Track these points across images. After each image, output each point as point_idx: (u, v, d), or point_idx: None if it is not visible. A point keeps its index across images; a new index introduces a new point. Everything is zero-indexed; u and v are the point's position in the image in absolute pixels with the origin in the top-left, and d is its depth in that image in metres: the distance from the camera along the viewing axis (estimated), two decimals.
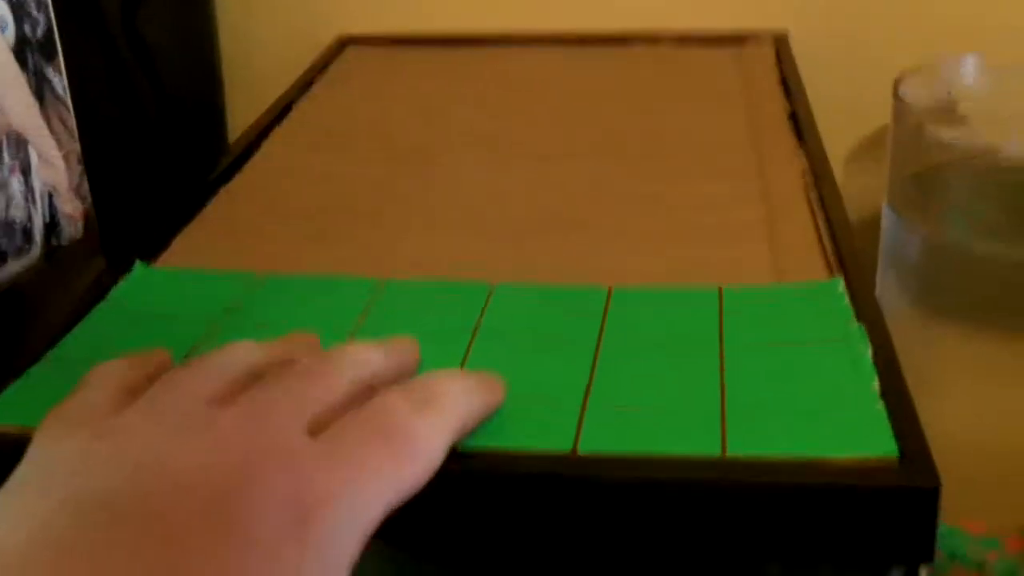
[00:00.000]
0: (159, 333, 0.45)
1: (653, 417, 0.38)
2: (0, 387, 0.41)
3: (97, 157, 0.60)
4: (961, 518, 0.75)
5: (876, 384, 0.39)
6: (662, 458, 0.36)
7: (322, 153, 0.64)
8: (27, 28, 0.53)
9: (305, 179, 0.61)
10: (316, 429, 0.32)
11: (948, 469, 0.74)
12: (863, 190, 0.84)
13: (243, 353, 0.37)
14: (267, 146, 0.65)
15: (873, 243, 0.76)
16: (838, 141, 0.85)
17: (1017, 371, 0.70)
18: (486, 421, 0.38)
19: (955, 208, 0.70)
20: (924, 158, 0.69)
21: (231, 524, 0.28)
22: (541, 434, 0.37)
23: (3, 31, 0.51)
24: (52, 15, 0.54)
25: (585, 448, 0.36)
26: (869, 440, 0.36)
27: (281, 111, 0.71)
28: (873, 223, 0.76)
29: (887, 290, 0.74)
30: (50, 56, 0.55)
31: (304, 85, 0.76)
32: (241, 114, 0.88)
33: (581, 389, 0.40)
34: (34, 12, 0.54)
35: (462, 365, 0.42)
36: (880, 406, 0.37)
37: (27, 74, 0.54)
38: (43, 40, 0.55)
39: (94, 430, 0.32)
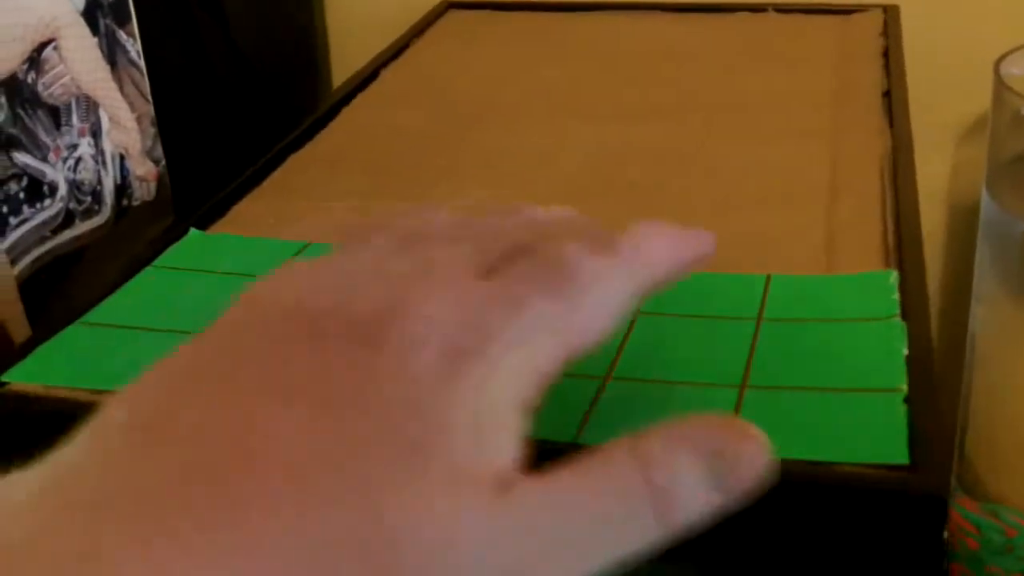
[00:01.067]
0: (201, 298, 0.45)
1: (663, 406, 0.37)
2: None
3: (171, 120, 0.60)
4: None
5: (905, 385, 0.37)
6: None
7: (399, 115, 0.64)
8: None
9: (377, 142, 0.61)
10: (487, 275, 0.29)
11: None
12: (965, 172, 0.81)
13: (431, 215, 0.32)
14: (348, 110, 0.66)
15: (972, 227, 0.73)
16: (943, 119, 0.82)
17: None
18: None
19: None
20: (1022, 140, 0.66)
21: (379, 341, 0.26)
22: (545, 421, 0.36)
23: None
24: None
25: (587, 439, 0.36)
26: (882, 446, 0.34)
27: (369, 75, 0.71)
28: (973, 207, 0.73)
29: (984, 275, 0.71)
30: (122, 20, 0.56)
31: (399, 49, 0.76)
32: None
33: (602, 373, 0.39)
34: None
35: None
36: (903, 410, 0.36)
37: (99, 38, 0.55)
38: (116, 4, 0.55)
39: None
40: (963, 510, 0.77)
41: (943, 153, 0.83)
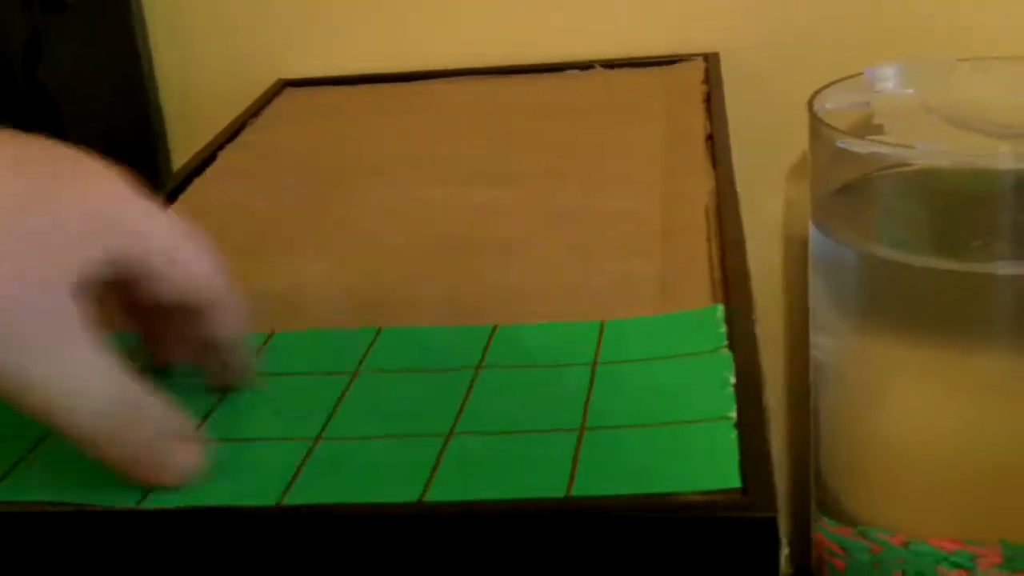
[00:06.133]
0: None
1: (508, 457, 0.38)
2: None
3: None
4: (928, 532, 0.75)
5: (733, 413, 0.38)
6: (503, 502, 0.35)
7: (239, 195, 0.65)
8: None
9: (216, 223, 0.60)
10: None
11: (898, 480, 0.74)
12: (795, 208, 0.84)
13: None
14: (185, 195, 0.66)
15: (804, 259, 0.75)
16: (768, 159, 0.85)
17: (952, 378, 0.70)
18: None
19: (878, 219, 0.70)
20: (843, 172, 0.69)
21: None
22: (392, 483, 0.37)
23: None
24: None
25: (433, 496, 0.36)
26: (714, 473, 0.35)
27: (207, 158, 0.71)
28: (804, 240, 0.76)
29: (820, 304, 0.74)
30: None
31: (237, 128, 0.77)
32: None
33: (446, 429, 0.40)
34: None
35: (336, 408, 0.42)
36: (733, 436, 0.37)
37: None
38: None
39: None
40: (828, 533, 0.79)
41: (773, 192, 0.86)
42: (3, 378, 0.35)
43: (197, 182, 0.67)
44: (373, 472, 0.38)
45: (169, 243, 0.40)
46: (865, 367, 0.74)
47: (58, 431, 0.36)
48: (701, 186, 0.59)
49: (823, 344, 0.75)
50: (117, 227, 0.39)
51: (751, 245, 0.52)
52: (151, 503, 0.37)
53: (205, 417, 0.42)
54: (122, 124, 0.84)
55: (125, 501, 0.37)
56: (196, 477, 0.38)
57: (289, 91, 0.86)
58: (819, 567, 0.80)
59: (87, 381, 0.36)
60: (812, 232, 0.72)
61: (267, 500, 0.37)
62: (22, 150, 0.39)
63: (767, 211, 0.86)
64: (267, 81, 0.88)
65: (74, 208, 0.38)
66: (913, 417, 0.74)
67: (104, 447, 0.37)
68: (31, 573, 0.37)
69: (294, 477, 0.38)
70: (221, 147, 0.73)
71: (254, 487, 0.37)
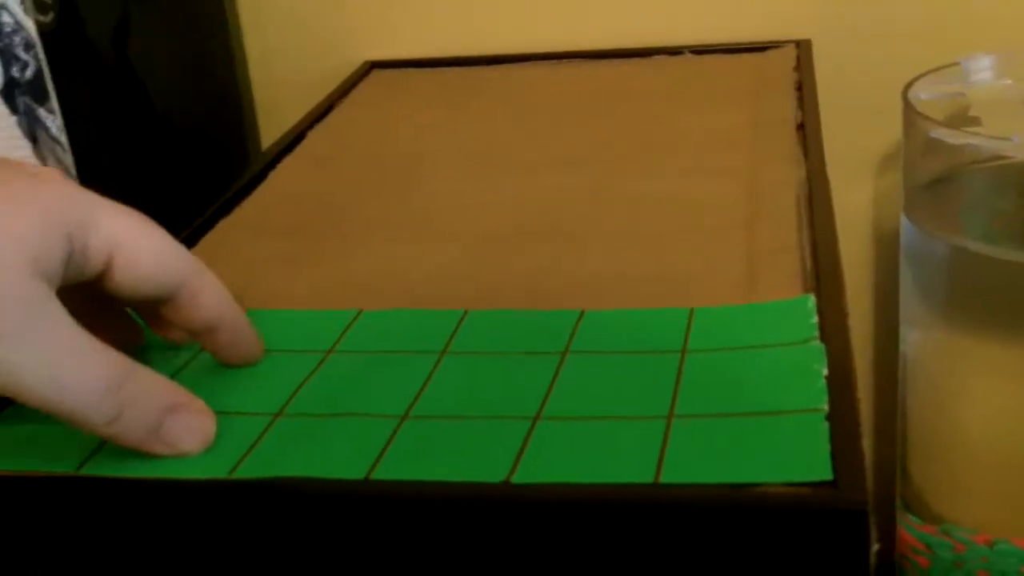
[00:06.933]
0: None
1: (595, 442, 0.38)
2: None
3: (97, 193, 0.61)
4: (1014, 532, 0.73)
5: (825, 405, 0.38)
6: (590, 486, 0.35)
7: (326, 176, 0.65)
8: (15, 71, 0.55)
9: (304, 204, 0.61)
10: None
11: (983, 478, 0.73)
12: (884, 198, 0.83)
13: None
14: (275, 174, 0.66)
15: (896, 252, 0.74)
16: (859, 148, 0.84)
17: None
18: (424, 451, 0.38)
19: (970, 212, 0.68)
20: (936, 163, 0.68)
21: None
22: (479, 463, 0.37)
23: None
24: (41, 56, 0.56)
25: (519, 478, 0.36)
26: (805, 464, 0.35)
27: (295, 138, 0.72)
28: (895, 232, 0.74)
29: (909, 298, 0.73)
30: (41, 98, 0.57)
31: (324, 110, 0.77)
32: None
33: (532, 412, 0.40)
34: (22, 54, 0.55)
35: (423, 387, 0.42)
36: (824, 428, 0.37)
37: (18, 116, 0.55)
38: (33, 81, 0.56)
39: None
40: (912, 530, 0.78)
41: (862, 182, 0.85)
42: None
43: (285, 162, 0.68)
44: (460, 452, 0.38)
45: (116, 237, 0.39)
46: (952, 362, 0.72)
47: (57, 419, 0.36)
48: (791, 174, 0.59)
49: (911, 338, 0.74)
50: (65, 220, 0.37)
51: (840, 235, 0.51)
52: (241, 472, 0.38)
53: (294, 392, 0.43)
54: (210, 105, 0.85)
55: (217, 472, 0.38)
56: (208, 445, 0.39)
57: (376, 73, 0.86)
58: (902, 564, 0.79)
59: (70, 365, 0.36)
60: (903, 223, 0.71)
61: (355, 474, 0.37)
62: None
63: (857, 201, 0.85)
64: (354, 63, 0.88)
65: (27, 203, 0.37)
66: (999, 414, 0.72)
67: (105, 428, 0.37)
68: (120, 544, 0.38)
69: (382, 453, 0.38)
70: (309, 127, 0.73)
71: (343, 461, 0.38)
